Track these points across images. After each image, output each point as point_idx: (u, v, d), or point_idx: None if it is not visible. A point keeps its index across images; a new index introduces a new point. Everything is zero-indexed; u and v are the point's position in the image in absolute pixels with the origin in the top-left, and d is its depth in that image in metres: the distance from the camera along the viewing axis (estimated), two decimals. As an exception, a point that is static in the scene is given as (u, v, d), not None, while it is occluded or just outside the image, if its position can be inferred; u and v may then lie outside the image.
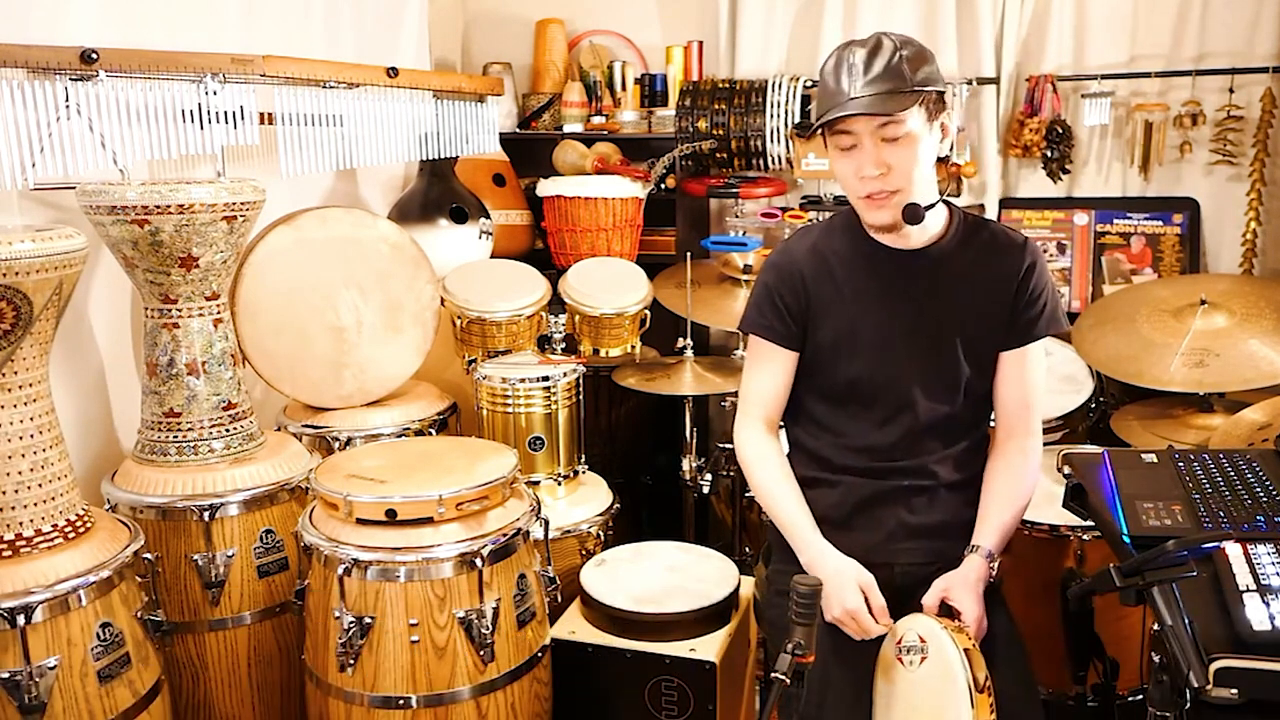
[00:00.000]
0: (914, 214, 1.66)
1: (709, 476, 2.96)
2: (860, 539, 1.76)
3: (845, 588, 1.64)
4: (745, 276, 2.99)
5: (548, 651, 2.08)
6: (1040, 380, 1.78)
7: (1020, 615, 1.79)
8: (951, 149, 1.82)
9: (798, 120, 3.24)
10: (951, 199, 1.77)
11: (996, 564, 1.70)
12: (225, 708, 2.12)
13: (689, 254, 2.94)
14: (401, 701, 1.87)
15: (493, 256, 3.21)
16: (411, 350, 2.66)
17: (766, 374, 1.82)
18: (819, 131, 1.69)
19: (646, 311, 3.02)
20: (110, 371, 2.29)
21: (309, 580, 1.99)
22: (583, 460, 2.70)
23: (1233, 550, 1.32)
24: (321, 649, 1.94)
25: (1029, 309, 1.74)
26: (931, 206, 1.71)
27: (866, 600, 1.64)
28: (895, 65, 1.59)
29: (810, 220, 3.23)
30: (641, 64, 3.69)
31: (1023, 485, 1.76)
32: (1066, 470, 1.68)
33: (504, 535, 1.94)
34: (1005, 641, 1.67)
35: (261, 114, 2.33)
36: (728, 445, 3.09)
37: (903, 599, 1.77)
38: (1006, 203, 3.28)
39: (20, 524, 1.70)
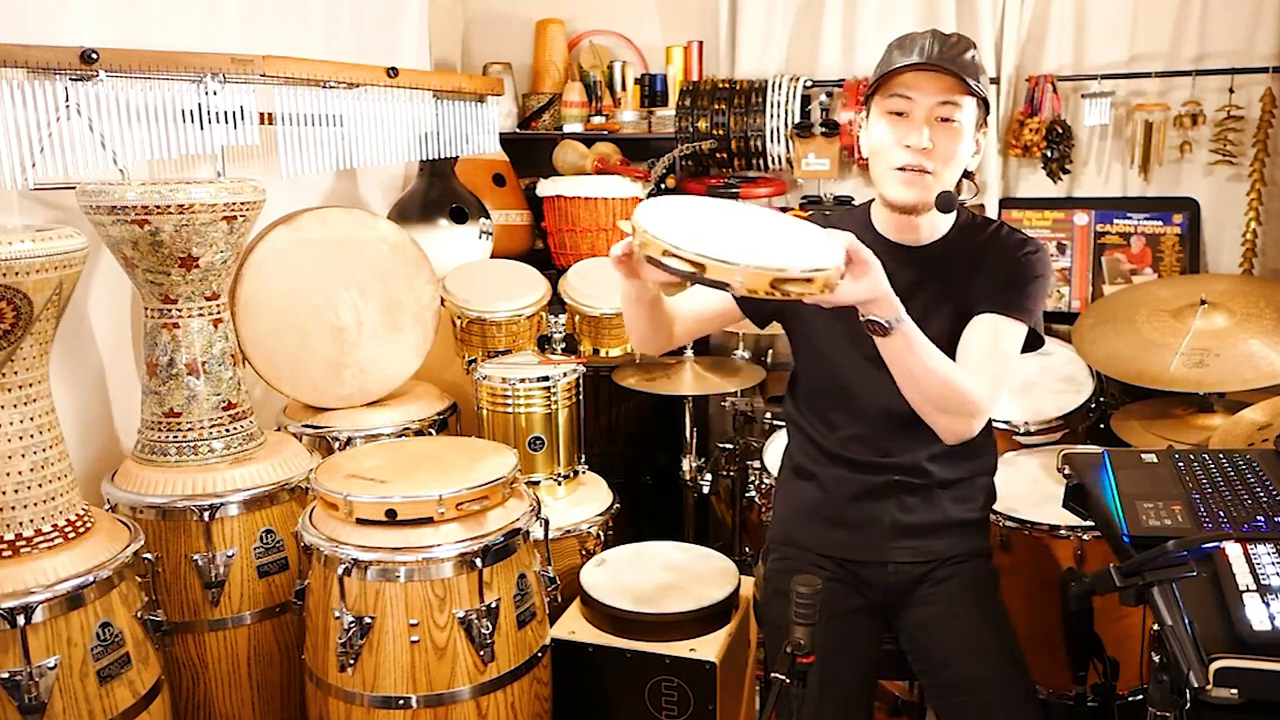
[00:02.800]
0: (948, 201, 1.62)
1: (709, 476, 2.96)
2: (854, 536, 1.77)
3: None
4: (745, 276, 2.98)
5: (548, 651, 2.08)
6: (1006, 353, 1.65)
7: (1020, 615, 1.79)
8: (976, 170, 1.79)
9: (798, 120, 3.24)
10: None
11: (892, 327, 1.48)
12: (225, 708, 2.12)
13: (689, 254, 2.93)
14: (401, 701, 1.87)
15: (493, 256, 3.21)
16: (411, 350, 2.66)
17: (703, 295, 1.79)
18: (872, 94, 1.66)
19: (646, 311, 3.01)
20: (110, 371, 2.29)
21: (309, 580, 1.99)
22: (583, 460, 2.70)
23: (1233, 550, 1.32)
24: (321, 649, 1.93)
25: (1013, 281, 1.68)
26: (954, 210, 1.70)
27: None
28: (969, 57, 1.60)
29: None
30: (641, 64, 3.69)
31: (959, 371, 1.60)
32: (1066, 470, 1.68)
33: (504, 535, 1.94)
34: (998, 634, 1.67)
35: (261, 114, 2.33)
36: (728, 445, 3.09)
37: (897, 597, 1.77)
38: (1006, 203, 3.28)
39: (20, 524, 1.70)
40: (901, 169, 1.63)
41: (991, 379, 1.62)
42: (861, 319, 1.49)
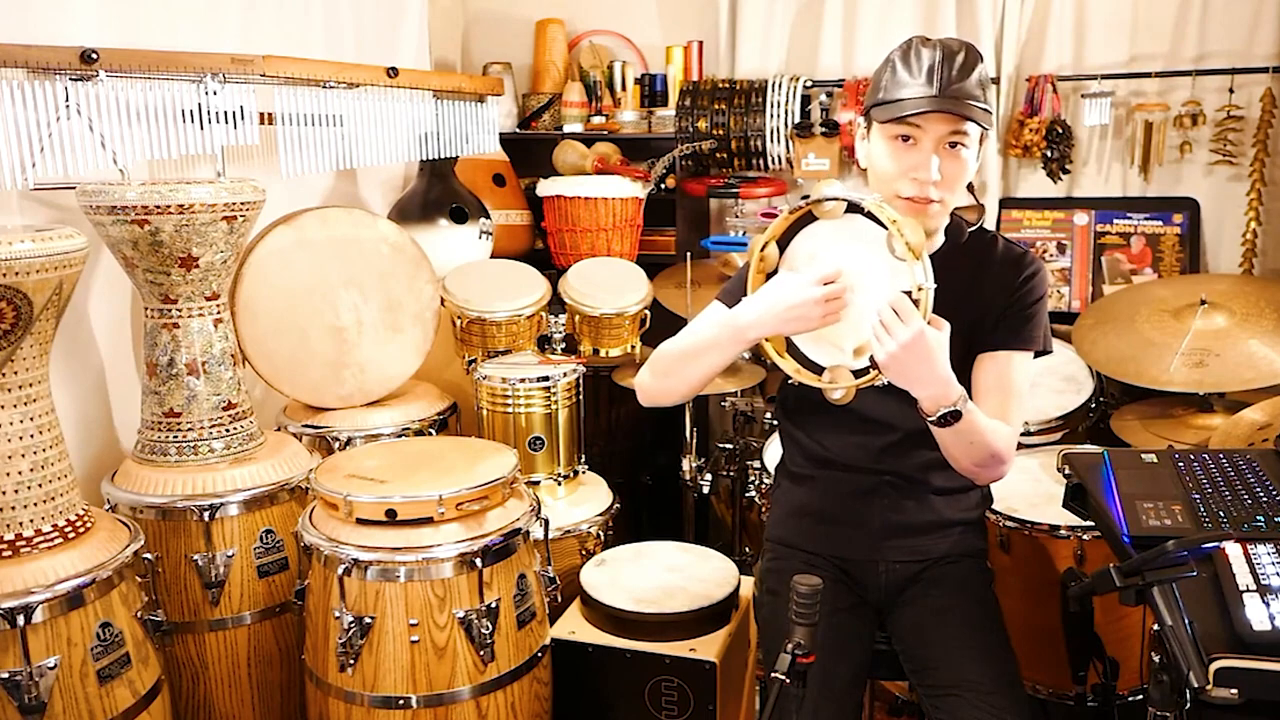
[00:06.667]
0: (958, 232, 1.63)
1: (709, 476, 2.96)
2: (847, 534, 1.77)
3: (787, 285, 1.52)
4: (745, 276, 2.98)
5: (548, 651, 2.08)
6: (1022, 389, 1.67)
7: (1020, 615, 1.79)
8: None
9: (798, 120, 3.24)
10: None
11: (954, 406, 1.50)
12: (225, 708, 2.12)
13: (689, 254, 2.94)
14: (401, 701, 1.87)
15: (493, 256, 3.21)
16: (411, 350, 2.66)
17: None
18: (869, 115, 1.63)
19: (646, 311, 3.02)
20: (110, 371, 2.29)
21: (309, 580, 1.99)
22: (583, 460, 2.70)
23: (1233, 550, 1.32)
24: (321, 649, 1.94)
25: (1020, 312, 1.68)
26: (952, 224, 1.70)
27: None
28: (977, 77, 1.56)
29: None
30: (641, 64, 3.69)
31: (996, 429, 1.61)
32: (1066, 470, 1.68)
33: (504, 535, 1.94)
34: (988, 636, 1.67)
35: (261, 114, 2.33)
36: (728, 445, 3.09)
37: (889, 596, 1.77)
38: (1006, 203, 3.28)
39: (20, 524, 1.70)
40: (910, 199, 1.59)
41: (1014, 419, 1.65)
42: (927, 417, 1.52)
